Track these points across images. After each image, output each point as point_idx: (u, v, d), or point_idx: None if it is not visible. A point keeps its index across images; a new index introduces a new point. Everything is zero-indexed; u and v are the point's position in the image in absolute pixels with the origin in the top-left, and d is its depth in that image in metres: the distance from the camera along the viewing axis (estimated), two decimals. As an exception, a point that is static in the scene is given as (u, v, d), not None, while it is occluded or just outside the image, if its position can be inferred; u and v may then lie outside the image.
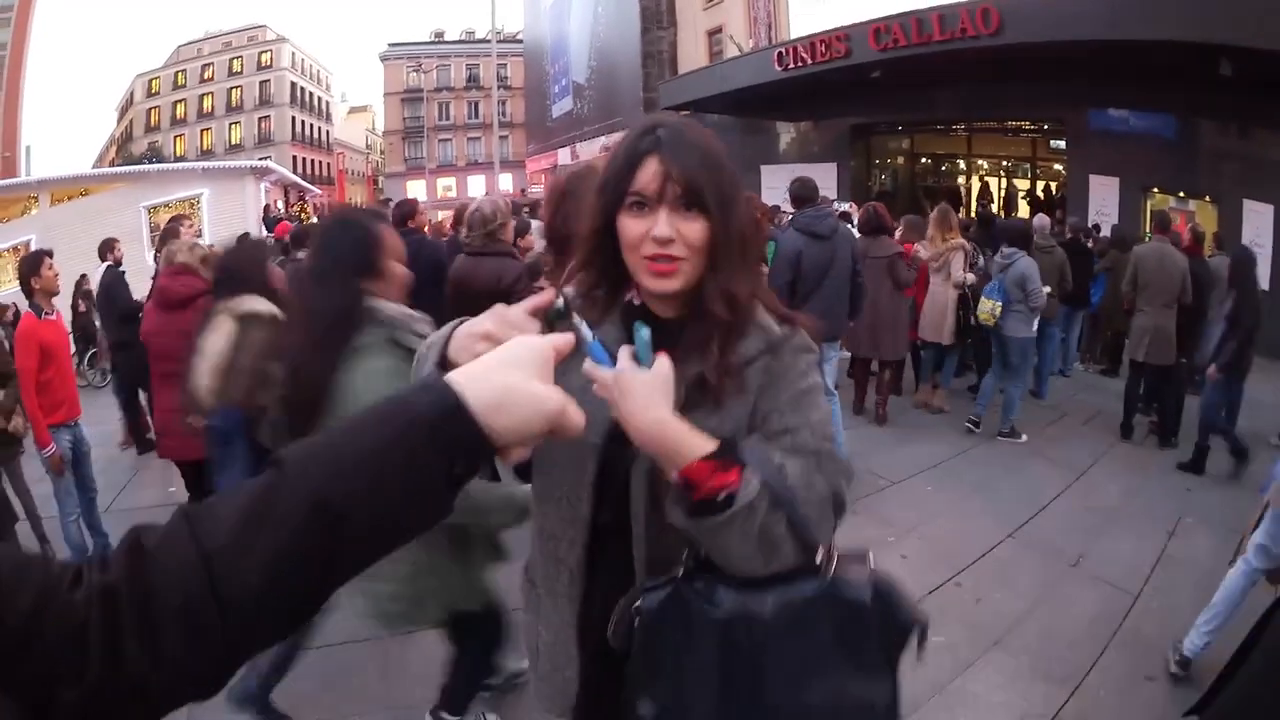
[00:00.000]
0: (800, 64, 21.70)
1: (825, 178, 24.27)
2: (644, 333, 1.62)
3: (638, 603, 1.72)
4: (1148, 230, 14.34)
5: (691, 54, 33.66)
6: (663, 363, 1.60)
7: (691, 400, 1.76)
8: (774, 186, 22.53)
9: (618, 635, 1.75)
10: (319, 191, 49.69)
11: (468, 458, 1.09)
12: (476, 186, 69.55)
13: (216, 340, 4.21)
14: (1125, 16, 14.61)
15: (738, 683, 1.61)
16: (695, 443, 1.56)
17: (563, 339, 1.31)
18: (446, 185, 76.86)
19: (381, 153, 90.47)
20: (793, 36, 24.73)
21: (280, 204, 30.66)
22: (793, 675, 1.59)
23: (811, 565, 1.61)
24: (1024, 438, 9.17)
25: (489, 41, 76.88)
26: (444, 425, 1.07)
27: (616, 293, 1.94)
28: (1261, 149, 16.14)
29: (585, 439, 1.50)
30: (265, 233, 16.71)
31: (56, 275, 5.48)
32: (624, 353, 1.60)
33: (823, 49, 20.91)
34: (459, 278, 6.15)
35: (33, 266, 6.08)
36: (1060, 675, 4.85)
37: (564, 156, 48.66)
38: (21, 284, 6.13)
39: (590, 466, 1.90)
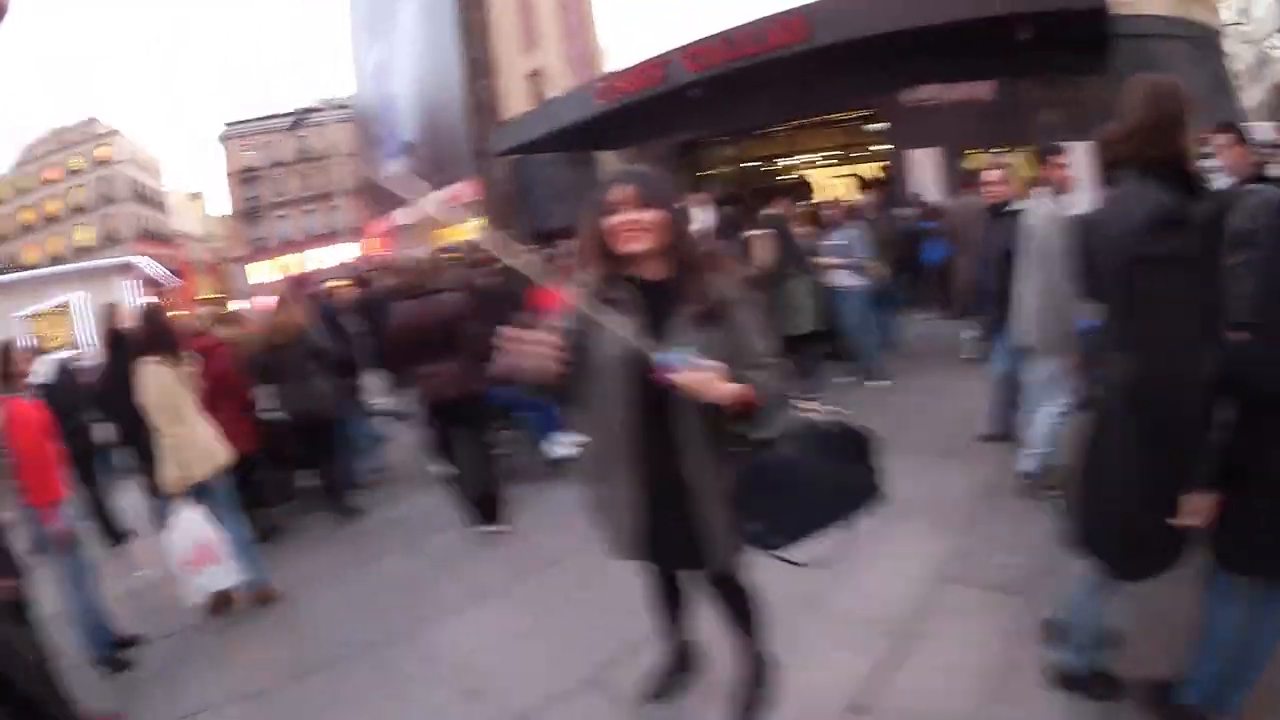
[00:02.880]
0: (621, 94, 22.30)
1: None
2: (669, 355, 3.02)
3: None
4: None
5: (514, 98, 34.06)
6: (711, 362, 2.99)
7: (701, 324, 3.19)
8: None
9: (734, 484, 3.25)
10: (178, 283, 48.62)
11: None
12: (318, 262, 68.33)
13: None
14: (930, 3, 15.90)
15: (787, 489, 3.15)
16: (739, 389, 3.01)
17: None
18: (287, 264, 73.70)
19: (224, 238, 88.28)
20: (610, 69, 25.49)
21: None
22: (805, 480, 3.16)
23: (793, 429, 3.20)
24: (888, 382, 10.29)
25: (319, 110, 76.23)
26: None
27: (615, 270, 3.33)
28: (1072, 95, 17.47)
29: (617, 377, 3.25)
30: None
31: None
32: (688, 362, 2.99)
33: (642, 77, 21.61)
34: (403, 322, 7.32)
35: (6, 355, 6.26)
36: (962, 526, 6.08)
37: (402, 216, 48.35)
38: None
39: (628, 387, 3.28)
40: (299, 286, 10.14)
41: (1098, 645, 3.83)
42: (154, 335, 6.71)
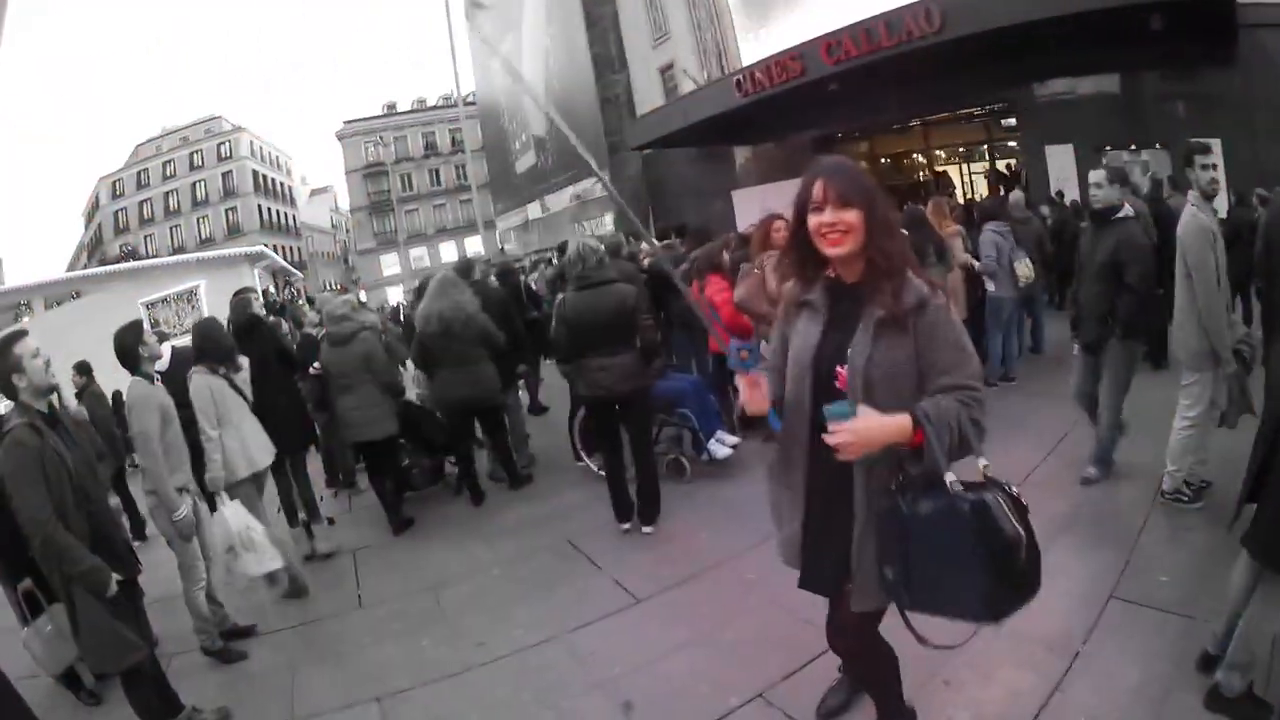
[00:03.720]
0: (759, 88, 22.09)
1: (794, 193, 25.06)
2: (832, 408, 2.84)
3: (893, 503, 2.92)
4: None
5: (647, 92, 33.88)
6: (861, 409, 2.80)
7: (882, 330, 2.95)
8: (747, 209, 22.95)
9: (878, 526, 3.00)
10: (301, 275, 49.65)
11: None
12: (448, 252, 69.65)
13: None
14: None
15: (916, 552, 2.86)
16: (903, 425, 2.77)
17: None
18: (418, 255, 76.53)
19: (348, 230, 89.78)
20: (745, 62, 25.13)
21: (272, 288, 30.96)
22: (931, 552, 2.81)
23: (942, 484, 2.76)
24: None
25: (441, 108, 77.36)
26: None
27: (818, 270, 3.18)
28: (1201, 89, 17.28)
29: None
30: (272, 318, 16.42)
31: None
32: (838, 420, 2.80)
33: (779, 70, 21.35)
34: (577, 311, 7.28)
35: (137, 334, 6.30)
36: (1118, 541, 5.87)
37: (534, 210, 49.10)
38: (127, 354, 6.24)
39: (812, 395, 3.13)
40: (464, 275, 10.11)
41: (1255, 666, 3.77)
42: (203, 348, 7.20)
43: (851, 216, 2.95)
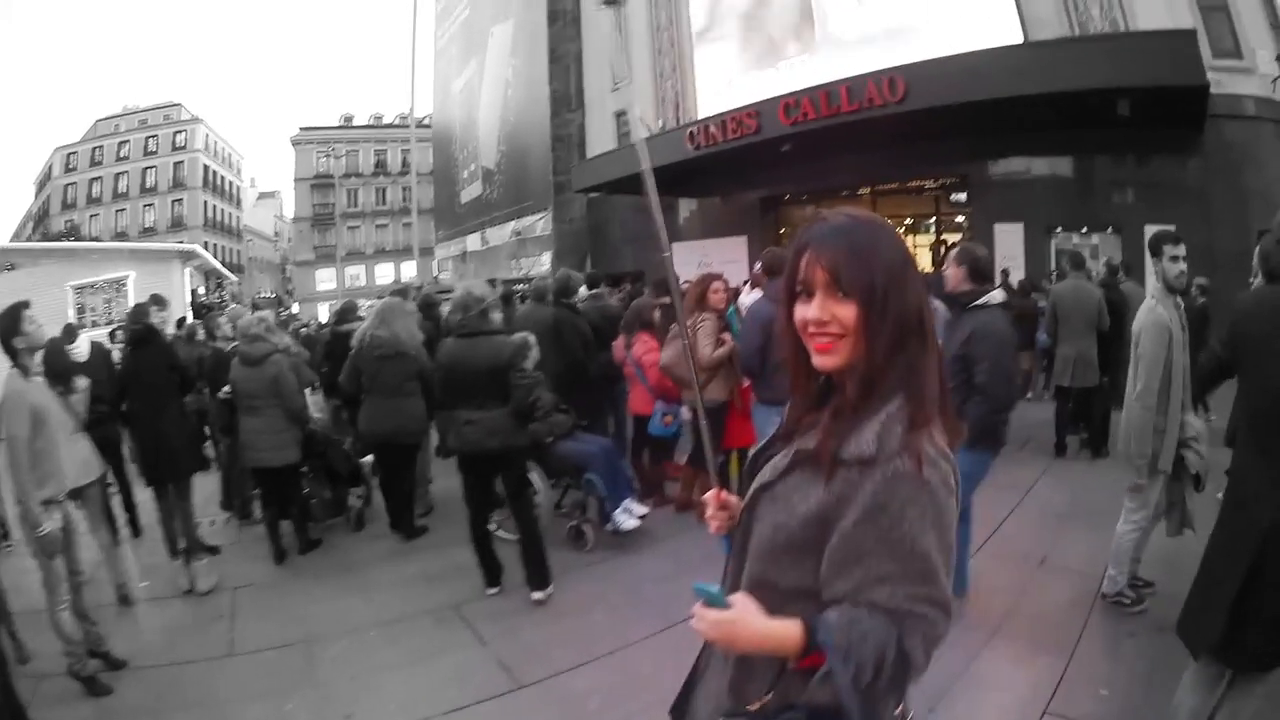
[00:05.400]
0: (712, 141, 22.01)
1: (736, 250, 25.18)
2: (701, 585, 1.86)
3: None
4: (1054, 268, 15.44)
5: (600, 136, 33.92)
6: (734, 599, 1.84)
7: (800, 464, 1.92)
8: (686, 263, 22.93)
9: None
10: (235, 279, 48.88)
11: None
12: (384, 274, 69.46)
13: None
14: (1027, 72, 15.49)
15: None
16: (787, 637, 1.76)
17: None
18: (354, 274, 75.48)
19: (289, 240, 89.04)
20: (701, 115, 25.18)
21: (202, 290, 30.42)
22: None
23: None
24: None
25: (397, 126, 77.37)
26: None
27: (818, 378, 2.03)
28: (1159, 176, 17.46)
29: None
30: (193, 319, 15.50)
31: None
32: (706, 601, 1.84)
33: (734, 126, 21.26)
34: (452, 360, 6.98)
35: (14, 321, 5.73)
36: (1056, 647, 5.52)
37: (473, 242, 48.79)
38: (2, 342, 5.71)
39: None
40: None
41: None
42: (49, 368, 6.58)
43: (847, 313, 1.84)
